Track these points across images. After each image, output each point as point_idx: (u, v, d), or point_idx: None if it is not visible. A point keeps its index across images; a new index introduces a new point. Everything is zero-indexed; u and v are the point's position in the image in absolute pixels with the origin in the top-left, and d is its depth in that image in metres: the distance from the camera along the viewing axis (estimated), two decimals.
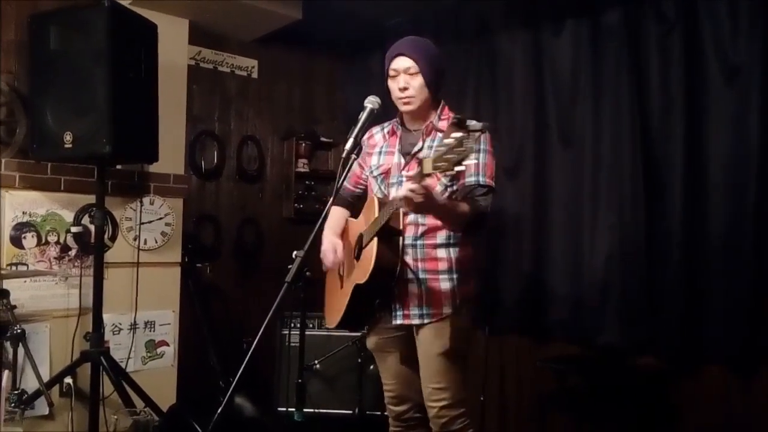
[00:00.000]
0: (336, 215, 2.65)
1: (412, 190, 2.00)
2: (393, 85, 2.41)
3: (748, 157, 2.86)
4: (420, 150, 2.41)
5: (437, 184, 2.33)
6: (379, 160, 2.53)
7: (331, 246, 2.52)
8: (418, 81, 2.36)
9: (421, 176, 1.96)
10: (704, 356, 3.01)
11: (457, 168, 1.85)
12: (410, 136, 2.48)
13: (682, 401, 3.12)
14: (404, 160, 2.45)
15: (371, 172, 2.56)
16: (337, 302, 2.54)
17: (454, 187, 2.37)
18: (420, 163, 1.96)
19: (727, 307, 2.90)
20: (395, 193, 2.40)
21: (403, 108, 2.43)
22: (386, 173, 2.50)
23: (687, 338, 3.02)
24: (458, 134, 1.83)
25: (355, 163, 2.61)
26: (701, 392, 3.05)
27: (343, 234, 2.63)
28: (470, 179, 2.33)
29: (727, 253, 2.91)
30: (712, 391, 3.02)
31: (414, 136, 2.46)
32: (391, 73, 2.41)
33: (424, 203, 2.05)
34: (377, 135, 2.60)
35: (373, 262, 2.25)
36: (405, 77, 2.37)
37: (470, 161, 2.14)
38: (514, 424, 3.77)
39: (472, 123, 1.87)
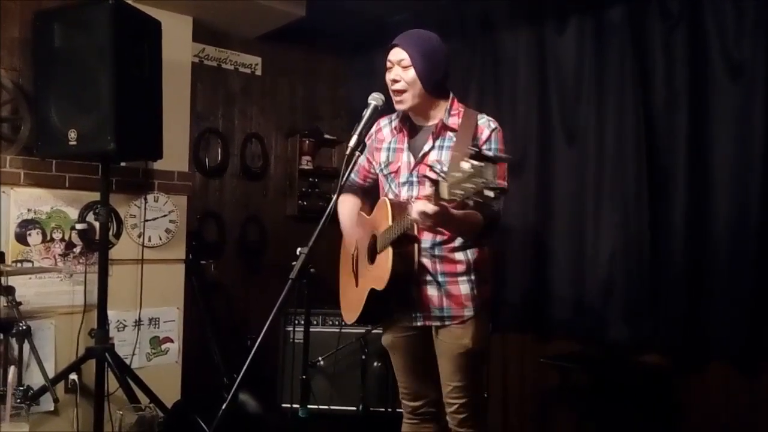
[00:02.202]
0: (349, 205, 2.57)
1: (424, 213, 1.96)
2: (388, 77, 2.37)
3: (752, 154, 2.86)
4: (431, 149, 2.35)
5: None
6: (389, 158, 2.46)
7: (353, 239, 2.52)
8: (410, 74, 2.29)
9: (437, 199, 1.91)
10: (708, 354, 3.01)
11: (476, 198, 1.75)
12: (419, 132, 2.42)
13: (685, 399, 3.12)
14: (414, 159, 2.39)
15: (381, 169, 2.50)
16: (353, 300, 2.51)
17: None
18: (436, 185, 1.90)
19: (730, 305, 2.90)
20: (406, 193, 2.39)
21: (396, 106, 2.37)
22: (396, 172, 2.44)
23: (690, 336, 3.02)
24: (477, 163, 1.72)
25: (362, 157, 2.55)
26: (704, 390, 3.06)
27: (364, 225, 2.55)
28: None
29: (730, 251, 2.91)
30: (715, 389, 3.02)
31: (423, 133, 2.40)
32: (387, 64, 2.36)
33: (437, 223, 2.03)
34: (385, 129, 2.53)
35: (389, 272, 2.22)
36: (397, 69, 2.32)
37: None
38: (517, 420, 3.77)
39: (495, 155, 1.81)
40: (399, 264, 2.24)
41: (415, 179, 2.38)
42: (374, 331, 3.65)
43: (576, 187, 3.45)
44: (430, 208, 1.96)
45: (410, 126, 2.45)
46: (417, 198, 2.34)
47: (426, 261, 2.35)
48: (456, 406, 2.38)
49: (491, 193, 1.72)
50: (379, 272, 2.30)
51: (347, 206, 2.56)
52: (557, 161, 3.55)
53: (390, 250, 2.24)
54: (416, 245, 2.30)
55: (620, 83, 3.28)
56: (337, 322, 3.85)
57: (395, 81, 2.33)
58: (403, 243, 2.25)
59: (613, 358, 3.26)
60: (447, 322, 2.36)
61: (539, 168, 3.60)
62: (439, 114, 2.37)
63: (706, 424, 3.05)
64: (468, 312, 2.35)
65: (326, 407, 3.73)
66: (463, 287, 2.35)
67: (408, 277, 2.29)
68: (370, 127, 2.28)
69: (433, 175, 2.00)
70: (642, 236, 3.17)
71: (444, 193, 1.85)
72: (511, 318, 3.65)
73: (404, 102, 2.34)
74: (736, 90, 2.92)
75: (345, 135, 4.48)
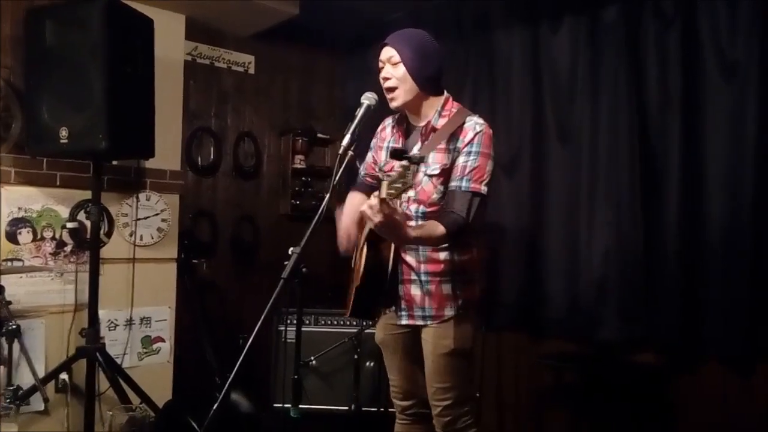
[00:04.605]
0: (354, 202, 2.52)
1: (369, 206, 1.95)
2: (380, 76, 2.37)
3: (745, 154, 2.86)
4: (419, 151, 2.33)
5: (434, 192, 2.29)
6: (386, 156, 2.47)
7: (345, 233, 2.46)
8: (400, 71, 2.30)
9: (378, 198, 1.90)
10: (702, 354, 3.01)
11: (404, 195, 1.86)
12: (414, 131, 2.42)
13: (680, 399, 3.12)
14: None
15: (379, 168, 2.52)
16: (350, 295, 2.52)
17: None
18: (380, 183, 1.91)
19: (725, 304, 2.90)
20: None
21: (390, 105, 2.37)
22: (390, 172, 2.42)
23: (685, 336, 3.02)
24: (403, 163, 1.82)
25: (370, 155, 2.59)
26: (699, 390, 3.06)
27: (360, 222, 2.51)
28: (453, 184, 2.26)
29: (724, 251, 2.91)
30: (709, 388, 3.02)
31: (416, 133, 2.41)
32: (379, 64, 2.37)
33: (383, 226, 1.99)
34: (388, 128, 2.54)
35: (362, 267, 2.26)
36: (388, 67, 2.33)
37: (459, 162, 2.23)
38: (511, 420, 3.77)
39: (413, 154, 1.86)
40: (371, 259, 2.27)
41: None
42: (367, 330, 3.65)
43: (570, 187, 3.45)
44: (374, 204, 1.94)
45: (407, 126, 2.46)
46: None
47: (410, 260, 2.36)
48: (440, 409, 2.37)
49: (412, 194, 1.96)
50: (358, 267, 2.35)
51: (350, 203, 2.54)
52: (551, 161, 3.54)
53: (365, 246, 2.27)
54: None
55: (614, 83, 3.28)
56: (329, 322, 3.85)
57: (386, 79, 2.34)
58: (378, 238, 2.26)
59: (607, 357, 3.26)
60: (428, 322, 2.36)
61: (533, 167, 3.59)
62: (430, 113, 2.37)
63: (700, 424, 3.05)
64: (448, 312, 2.35)
65: (319, 407, 3.72)
66: (445, 287, 2.35)
67: (382, 273, 2.29)
68: (362, 127, 2.27)
69: (379, 175, 2.02)
70: (636, 236, 3.17)
71: (383, 192, 1.88)
72: (505, 317, 3.65)
73: (396, 99, 2.34)
74: (730, 90, 2.92)
75: (339, 134, 4.47)
